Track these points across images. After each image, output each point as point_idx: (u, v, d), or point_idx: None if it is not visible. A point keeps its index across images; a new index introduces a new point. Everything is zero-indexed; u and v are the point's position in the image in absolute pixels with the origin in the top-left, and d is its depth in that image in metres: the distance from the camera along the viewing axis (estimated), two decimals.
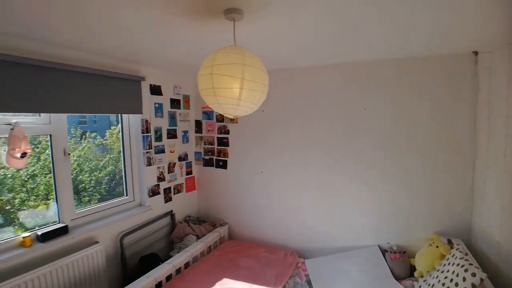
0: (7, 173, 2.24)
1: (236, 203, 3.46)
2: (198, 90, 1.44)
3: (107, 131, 3.03)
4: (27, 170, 2.34)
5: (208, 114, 3.56)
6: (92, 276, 2.37)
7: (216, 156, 3.54)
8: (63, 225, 2.30)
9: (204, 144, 3.61)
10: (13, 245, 2.07)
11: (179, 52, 2.36)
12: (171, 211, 3.29)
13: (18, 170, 2.27)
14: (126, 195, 2.94)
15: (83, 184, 2.77)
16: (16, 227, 2.24)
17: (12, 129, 2.00)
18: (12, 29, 1.75)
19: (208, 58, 1.29)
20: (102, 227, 2.54)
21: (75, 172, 2.65)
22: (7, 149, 1.98)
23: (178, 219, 3.37)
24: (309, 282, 2.54)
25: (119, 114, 2.86)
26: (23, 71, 1.94)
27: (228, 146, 3.45)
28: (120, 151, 2.96)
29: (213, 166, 3.57)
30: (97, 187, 2.88)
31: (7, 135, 1.98)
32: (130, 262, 2.73)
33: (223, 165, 3.50)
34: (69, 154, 2.39)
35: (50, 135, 2.29)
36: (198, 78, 1.38)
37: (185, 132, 3.52)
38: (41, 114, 2.21)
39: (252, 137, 3.28)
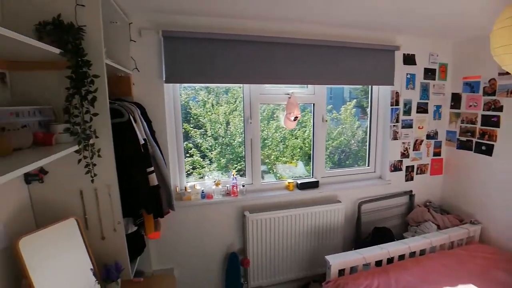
0: (269, 134, 2.90)
1: (499, 201, 2.69)
2: (490, 49, 1.16)
3: (342, 106, 3.20)
4: (280, 134, 2.91)
5: (471, 85, 2.89)
6: (331, 228, 2.70)
7: (477, 138, 2.87)
8: (315, 180, 2.73)
9: (462, 123, 3.01)
10: (281, 187, 2.72)
11: (447, 9, 2.00)
12: (411, 191, 3.08)
13: (275, 132, 2.87)
14: (368, 165, 3.04)
15: None
16: (276, 175, 2.90)
17: (289, 97, 2.54)
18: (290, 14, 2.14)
19: (510, 7, 0.98)
20: (344, 189, 2.81)
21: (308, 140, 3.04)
22: (285, 113, 2.55)
23: (416, 202, 3.11)
24: None
25: (369, 86, 2.91)
26: (301, 49, 2.37)
27: (497, 127, 2.68)
28: (351, 127, 3.14)
29: (471, 150, 2.93)
30: (330, 156, 3.17)
31: (285, 102, 2.54)
32: (363, 228, 2.86)
33: (487, 150, 2.79)
34: (326, 121, 2.74)
35: (313, 104, 2.71)
36: (492, 34, 1.10)
37: (438, 106, 3.07)
38: (308, 86, 2.64)
39: None
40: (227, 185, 2.51)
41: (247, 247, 2.50)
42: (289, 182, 2.66)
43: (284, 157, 3.01)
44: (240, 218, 2.54)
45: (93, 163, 1.53)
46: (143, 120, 1.95)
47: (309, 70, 2.42)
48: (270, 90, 2.54)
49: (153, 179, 1.87)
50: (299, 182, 2.68)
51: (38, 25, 1.30)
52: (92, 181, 1.54)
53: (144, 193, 1.78)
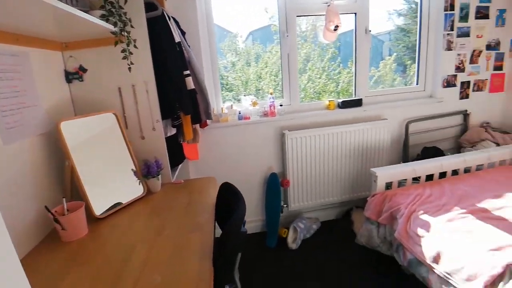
0: None
1: None
2: None
3: (381, 62, 3.05)
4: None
5: None
6: (376, 147, 2.55)
7: None
8: (358, 98, 2.55)
9: None
10: (321, 107, 2.58)
11: None
12: (466, 110, 2.78)
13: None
14: (417, 84, 2.77)
15: None
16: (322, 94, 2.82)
17: (328, 5, 2.32)
18: None
19: None
20: (390, 107, 2.62)
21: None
22: (324, 24, 2.35)
23: (472, 123, 2.81)
24: None
25: None
26: None
27: None
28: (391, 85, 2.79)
29: None
30: None
31: (324, 13, 2.33)
32: (412, 151, 2.67)
33: None
34: (370, 31, 2.49)
35: (355, 13, 2.46)
36: None
37: (502, 11, 2.64)
38: None
39: None
40: (264, 106, 2.43)
41: (286, 168, 2.44)
42: (329, 101, 2.51)
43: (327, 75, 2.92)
44: (279, 138, 2.47)
45: (129, 51, 1.50)
46: (176, 26, 1.87)
47: None
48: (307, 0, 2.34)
49: (190, 83, 1.83)
50: (340, 101, 2.52)
51: None
52: (129, 69, 1.51)
53: (181, 93, 1.73)
